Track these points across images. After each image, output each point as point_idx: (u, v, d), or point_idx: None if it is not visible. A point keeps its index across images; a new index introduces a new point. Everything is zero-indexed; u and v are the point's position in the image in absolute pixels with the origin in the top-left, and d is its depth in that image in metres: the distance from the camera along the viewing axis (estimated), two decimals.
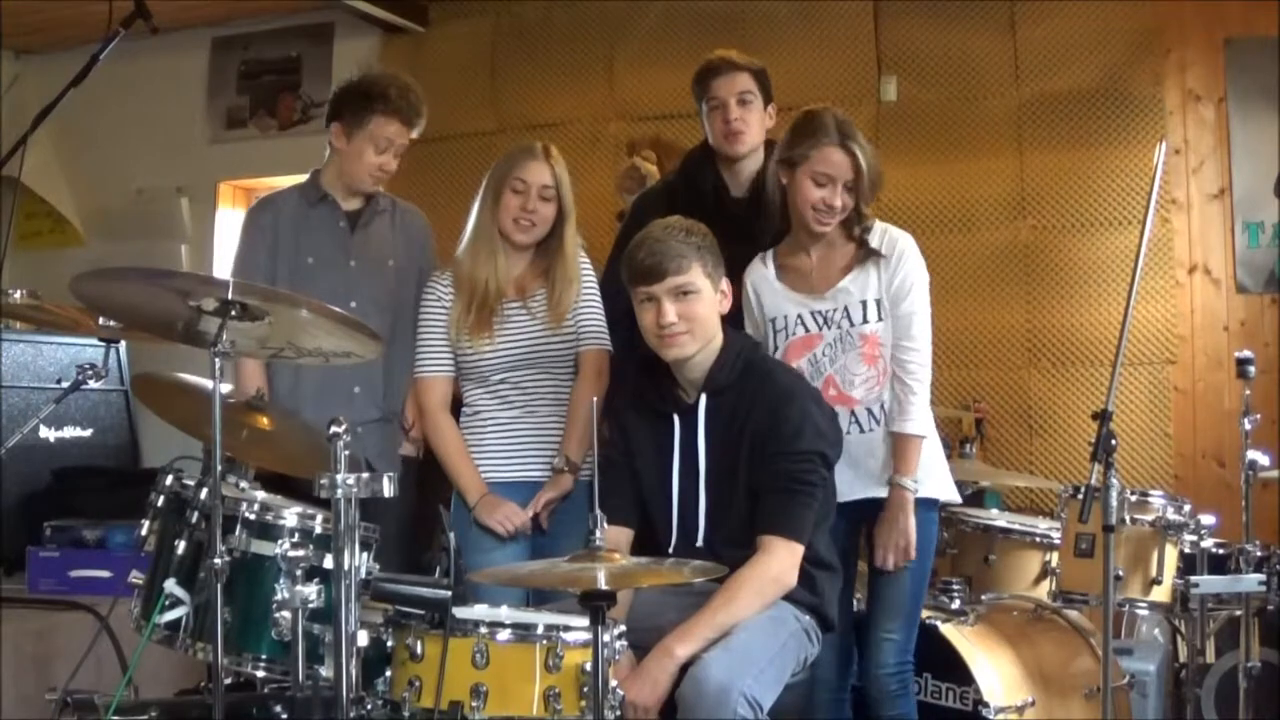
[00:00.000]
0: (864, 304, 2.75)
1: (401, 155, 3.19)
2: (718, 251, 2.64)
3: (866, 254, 2.77)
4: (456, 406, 3.11)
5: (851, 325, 2.76)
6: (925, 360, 2.76)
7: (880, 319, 2.74)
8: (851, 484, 2.73)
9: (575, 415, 2.98)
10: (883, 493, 2.73)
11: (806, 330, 2.81)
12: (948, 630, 2.92)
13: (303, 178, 3.34)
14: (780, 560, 2.50)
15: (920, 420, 2.73)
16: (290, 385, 3.12)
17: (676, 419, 2.65)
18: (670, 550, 2.62)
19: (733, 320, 2.75)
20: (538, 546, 2.95)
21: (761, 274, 2.89)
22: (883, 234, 2.79)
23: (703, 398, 2.63)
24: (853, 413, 2.76)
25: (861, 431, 2.75)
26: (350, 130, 3.15)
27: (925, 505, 2.76)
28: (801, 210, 2.77)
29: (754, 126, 3.12)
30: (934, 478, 2.79)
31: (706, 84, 3.14)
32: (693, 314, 2.56)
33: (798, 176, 2.75)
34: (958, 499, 2.99)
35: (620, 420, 2.74)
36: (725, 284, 2.65)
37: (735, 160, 3.15)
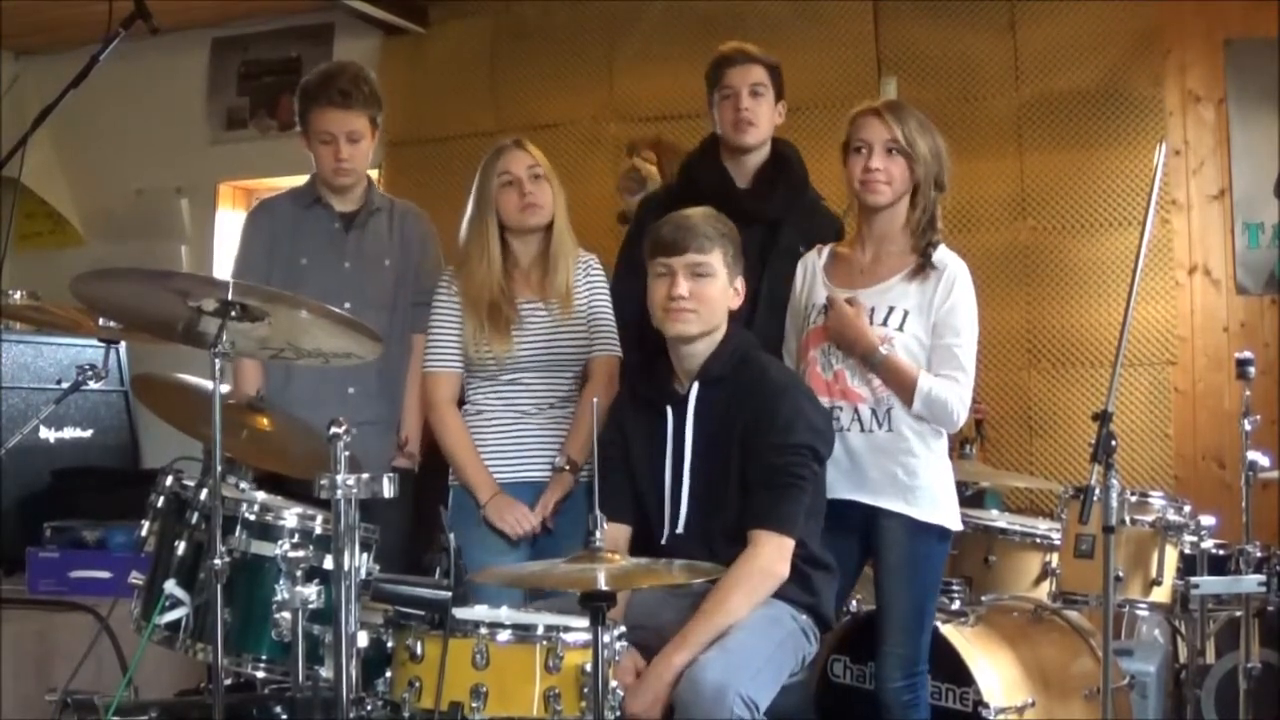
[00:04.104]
0: (890, 309, 2.74)
1: (360, 141, 3.12)
2: (740, 247, 2.67)
3: (920, 268, 2.75)
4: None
5: (870, 324, 2.73)
6: (965, 396, 2.71)
7: (900, 329, 2.72)
8: (847, 484, 2.72)
9: (583, 416, 3.00)
10: (882, 503, 2.71)
11: (827, 319, 2.80)
12: (948, 631, 2.92)
13: (302, 178, 3.35)
14: (768, 554, 2.50)
15: (927, 390, 2.68)
16: (281, 386, 3.12)
17: (669, 409, 2.66)
18: (662, 540, 2.63)
19: (745, 310, 2.76)
20: (541, 546, 2.96)
21: (813, 260, 2.91)
22: (938, 256, 2.75)
23: (695, 386, 2.64)
24: (856, 410, 2.74)
25: (863, 430, 2.74)
26: (305, 135, 3.17)
27: (936, 535, 2.74)
28: (852, 187, 2.80)
29: (764, 119, 3.10)
30: (944, 506, 2.76)
31: (721, 72, 3.12)
32: (704, 295, 2.58)
33: (847, 157, 2.79)
34: (960, 527, 2.92)
35: (616, 414, 2.75)
36: (740, 282, 2.67)
37: (743, 152, 3.13)
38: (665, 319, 2.61)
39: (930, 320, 2.72)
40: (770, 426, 2.54)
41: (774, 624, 2.50)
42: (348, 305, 3.05)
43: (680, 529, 2.61)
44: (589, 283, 3.08)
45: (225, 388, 2.60)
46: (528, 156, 3.02)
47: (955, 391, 2.70)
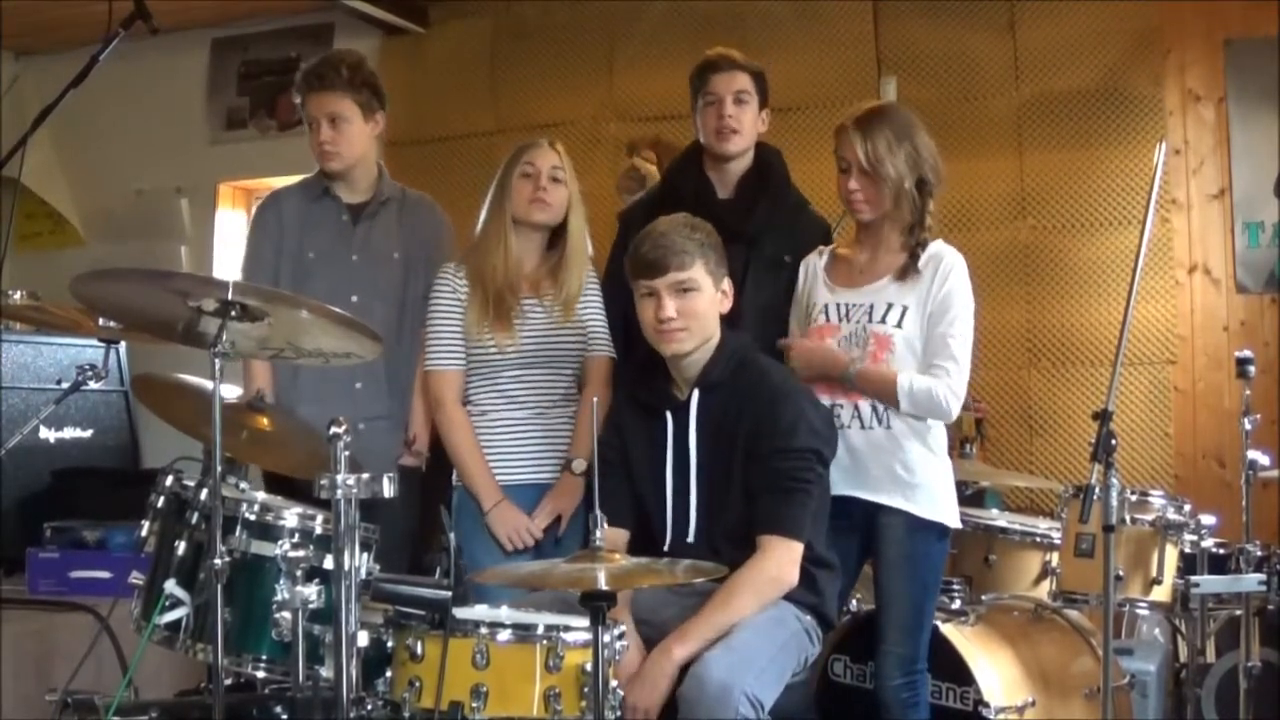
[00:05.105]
0: (889, 305, 2.74)
1: (344, 125, 3.09)
2: (721, 250, 2.65)
3: (909, 266, 2.74)
4: None
5: (869, 322, 2.74)
6: (956, 385, 2.69)
7: (899, 325, 2.72)
8: (847, 481, 2.72)
9: (586, 418, 2.99)
10: (883, 499, 2.71)
11: (828, 319, 2.80)
12: (948, 630, 2.92)
13: (302, 178, 3.34)
14: (778, 559, 2.50)
15: (908, 387, 2.67)
16: (288, 380, 3.10)
17: (669, 415, 2.66)
18: (666, 547, 2.62)
19: (732, 321, 2.75)
20: (545, 547, 2.96)
21: (815, 262, 2.91)
22: (932, 250, 2.75)
23: (695, 393, 2.63)
24: (856, 407, 2.74)
25: (863, 428, 2.73)
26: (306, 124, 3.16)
27: (935, 532, 2.74)
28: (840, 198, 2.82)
29: (747, 127, 3.08)
30: (943, 503, 2.76)
31: (705, 79, 3.10)
32: (692, 310, 2.57)
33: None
34: (959, 525, 2.90)
35: (615, 418, 2.75)
36: (727, 284, 2.66)
37: (725, 159, 3.11)
38: (659, 340, 2.61)
39: (927, 311, 2.73)
40: (773, 431, 2.54)
41: (778, 624, 2.51)
42: (355, 299, 3.04)
43: (691, 538, 2.60)
44: (586, 286, 3.07)
45: (233, 387, 2.61)
46: (555, 157, 3.02)
47: (940, 381, 2.68)
